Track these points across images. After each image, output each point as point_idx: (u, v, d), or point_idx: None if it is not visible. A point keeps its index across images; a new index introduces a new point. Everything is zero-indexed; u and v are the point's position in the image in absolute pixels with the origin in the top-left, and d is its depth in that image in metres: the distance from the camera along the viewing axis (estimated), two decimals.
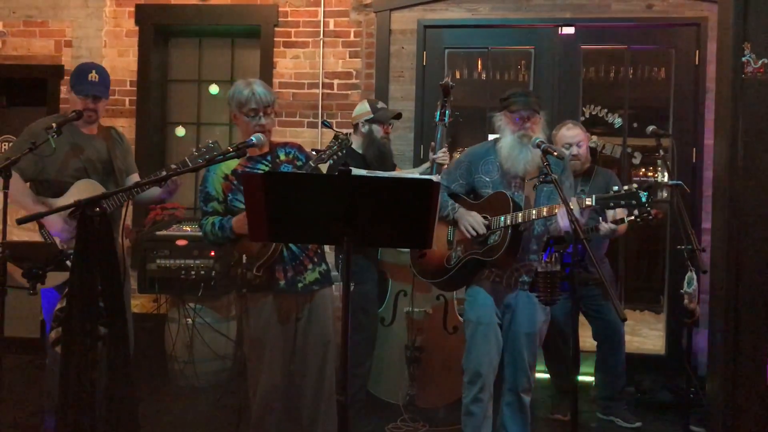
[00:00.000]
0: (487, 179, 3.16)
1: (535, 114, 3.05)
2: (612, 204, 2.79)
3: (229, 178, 2.89)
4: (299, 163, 2.96)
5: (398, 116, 4.10)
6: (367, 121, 3.95)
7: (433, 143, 3.89)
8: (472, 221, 3.09)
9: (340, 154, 2.87)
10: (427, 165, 4.02)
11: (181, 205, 4.96)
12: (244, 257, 2.87)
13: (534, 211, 2.94)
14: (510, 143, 3.06)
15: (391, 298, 4.12)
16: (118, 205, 3.22)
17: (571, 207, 2.62)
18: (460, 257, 3.16)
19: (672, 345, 4.77)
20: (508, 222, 2.98)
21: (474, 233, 3.08)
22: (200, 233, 4.32)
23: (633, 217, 3.19)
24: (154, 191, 3.38)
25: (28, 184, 3.30)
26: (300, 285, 2.91)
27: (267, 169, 2.91)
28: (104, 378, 2.36)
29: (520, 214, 2.96)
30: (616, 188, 2.77)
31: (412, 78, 5.00)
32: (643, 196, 2.67)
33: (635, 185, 2.71)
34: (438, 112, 3.88)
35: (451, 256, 3.21)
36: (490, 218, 3.08)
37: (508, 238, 2.98)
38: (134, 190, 3.06)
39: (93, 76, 3.35)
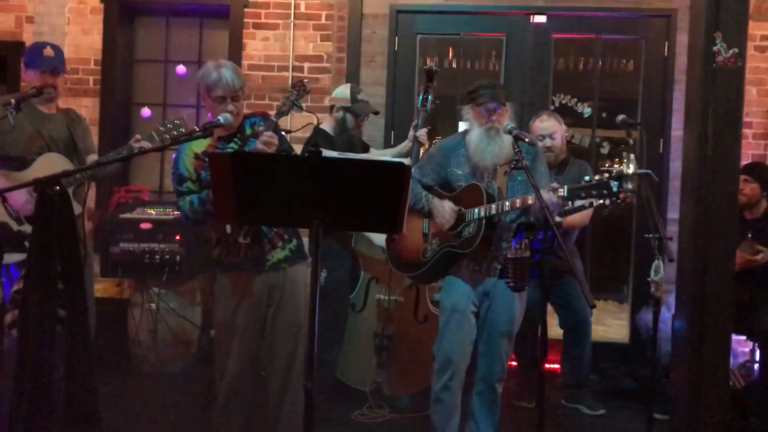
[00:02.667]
0: (460, 172, 3.15)
1: (501, 106, 3.06)
2: (584, 194, 2.79)
3: (200, 157, 2.84)
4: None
5: (375, 113, 4.07)
6: (343, 107, 3.90)
7: (415, 121, 3.83)
8: (444, 211, 3.08)
9: (299, 100, 2.86)
10: (405, 143, 3.96)
11: (145, 187, 4.86)
12: (228, 227, 2.82)
13: (507, 203, 2.92)
14: (478, 136, 3.07)
15: (362, 284, 4.09)
16: (78, 183, 3.18)
17: (544, 196, 2.63)
18: (436, 250, 3.14)
19: (636, 333, 4.82)
20: (482, 214, 2.97)
21: (447, 221, 3.06)
22: (166, 217, 4.35)
23: (601, 201, 3.15)
24: (116, 167, 3.36)
25: None
26: (267, 264, 2.86)
27: (236, 148, 2.85)
28: (62, 361, 2.30)
29: (493, 206, 2.95)
30: (587, 178, 2.78)
31: (384, 63, 4.95)
32: (615, 185, 2.69)
33: (606, 174, 2.72)
34: (420, 98, 3.82)
35: (426, 248, 3.18)
36: (464, 210, 3.06)
37: (483, 229, 2.97)
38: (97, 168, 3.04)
39: (48, 51, 3.34)
